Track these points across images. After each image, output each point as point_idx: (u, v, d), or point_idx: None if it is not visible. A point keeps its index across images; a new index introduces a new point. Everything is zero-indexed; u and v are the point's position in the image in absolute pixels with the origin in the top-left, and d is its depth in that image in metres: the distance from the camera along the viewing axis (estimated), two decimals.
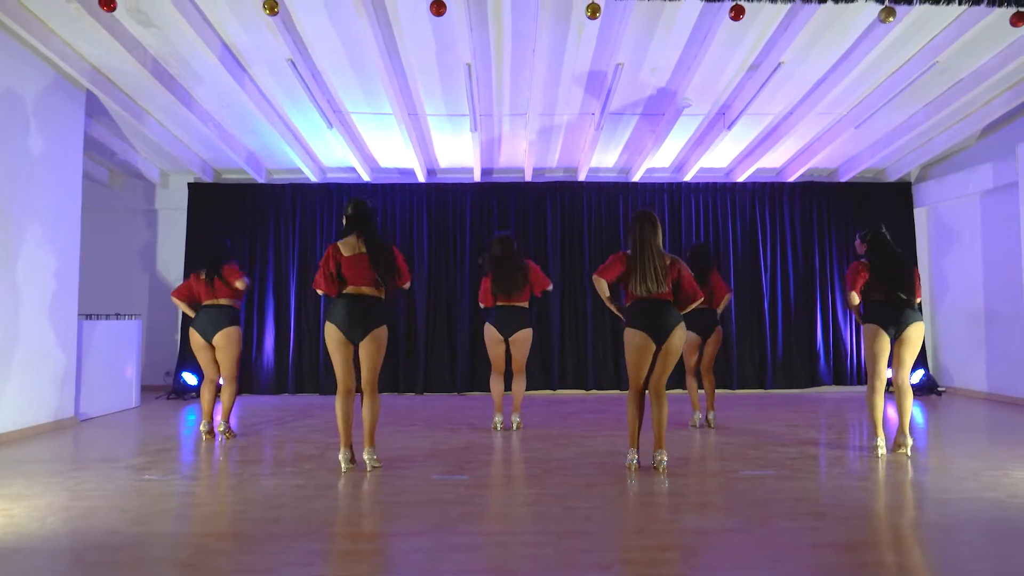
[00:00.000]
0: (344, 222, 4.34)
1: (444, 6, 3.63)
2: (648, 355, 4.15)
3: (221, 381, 5.57)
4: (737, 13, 3.64)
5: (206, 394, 5.48)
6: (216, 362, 5.50)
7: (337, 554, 2.94)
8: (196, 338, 5.43)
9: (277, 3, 3.47)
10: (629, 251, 4.28)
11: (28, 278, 5.73)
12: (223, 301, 5.46)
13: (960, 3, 3.61)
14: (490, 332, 5.73)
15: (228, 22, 5.34)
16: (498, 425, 5.83)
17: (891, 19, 3.73)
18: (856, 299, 4.75)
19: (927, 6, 3.72)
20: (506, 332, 5.67)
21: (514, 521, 3.38)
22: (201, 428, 5.46)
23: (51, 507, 3.57)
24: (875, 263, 4.72)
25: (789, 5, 3.88)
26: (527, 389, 7.92)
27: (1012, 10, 3.69)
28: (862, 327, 4.86)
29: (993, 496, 3.71)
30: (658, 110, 7.02)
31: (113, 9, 3.53)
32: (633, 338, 4.17)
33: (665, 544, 3.02)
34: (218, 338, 5.39)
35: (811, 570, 2.69)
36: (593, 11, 3.60)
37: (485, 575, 2.67)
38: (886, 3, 3.59)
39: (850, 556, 2.84)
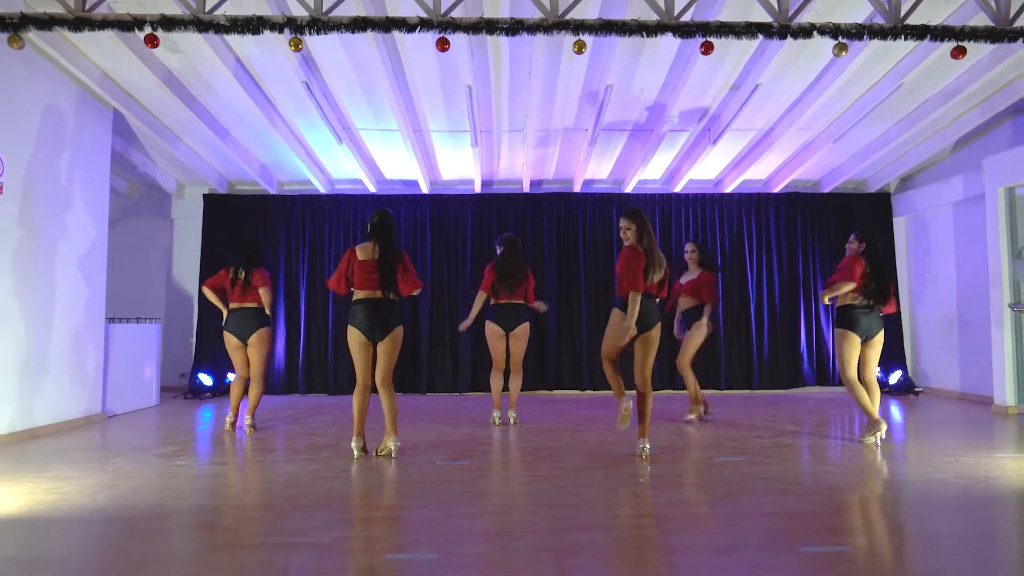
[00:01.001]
0: (368, 229, 4.77)
1: (448, 42, 4.09)
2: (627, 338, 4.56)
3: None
4: (707, 48, 4.10)
5: (237, 390, 5.93)
6: (248, 361, 5.92)
7: (355, 521, 3.39)
8: (231, 339, 5.86)
9: (301, 41, 3.92)
10: (638, 244, 4.59)
11: (62, 284, 6.19)
12: (252, 304, 5.87)
13: (906, 38, 4.06)
14: (491, 328, 6.18)
15: (248, 47, 5.81)
16: (496, 420, 6.28)
17: (844, 53, 4.18)
18: (850, 287, 5.11)
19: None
20: (507, 327, 6.10)
21: (510, 496, 3.82)
22: (227, 420, 5.88)
23: (98, 486, 4.01)
24: (865, 268, 5.17)
25: (758, 41, 4.34)
26: (523, 388, 8.33)
27: (953, 44, 4.15)
28: (835, 331, 5.28)
29: (941, 477, 4.15)
30: (647, 126, 7.50)
31: (156, 46, 3.99)
32: (615, 318, 4.62)
33: (641, 514, 3.47)
34: (253, 338, 5.82)
35: (765, 534, 3.13)
36: (579, 47, 4.06)
37: (484, 536, 3.12)
38: (839, 39, 4.05)
39: (799, 522, 3.28)
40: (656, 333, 4.60)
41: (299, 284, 9.16)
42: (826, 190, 9.36)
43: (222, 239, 8.90)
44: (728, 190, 9.27)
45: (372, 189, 9.17)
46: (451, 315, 9.17)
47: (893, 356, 8.99)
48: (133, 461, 4.73)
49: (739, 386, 9.16)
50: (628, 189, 9.25)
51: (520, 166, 8.67)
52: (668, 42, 5.58)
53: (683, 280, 6.52)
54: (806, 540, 3.01)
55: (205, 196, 9.24)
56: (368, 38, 5.31)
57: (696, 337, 6.35)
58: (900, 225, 9.50)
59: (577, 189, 9.26)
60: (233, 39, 5.68)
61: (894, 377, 8.82)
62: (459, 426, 6.28)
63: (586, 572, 2.69)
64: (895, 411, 7.32)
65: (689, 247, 6.60)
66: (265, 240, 9.11)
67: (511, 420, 6.29)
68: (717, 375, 9.09)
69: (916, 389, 8.78)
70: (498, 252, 6.27)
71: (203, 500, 3.75)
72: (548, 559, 2.80)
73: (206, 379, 8.57)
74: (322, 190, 9.16)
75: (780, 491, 3.85)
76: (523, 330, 6.17)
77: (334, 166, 8.80)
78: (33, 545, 3.04)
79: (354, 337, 4.66)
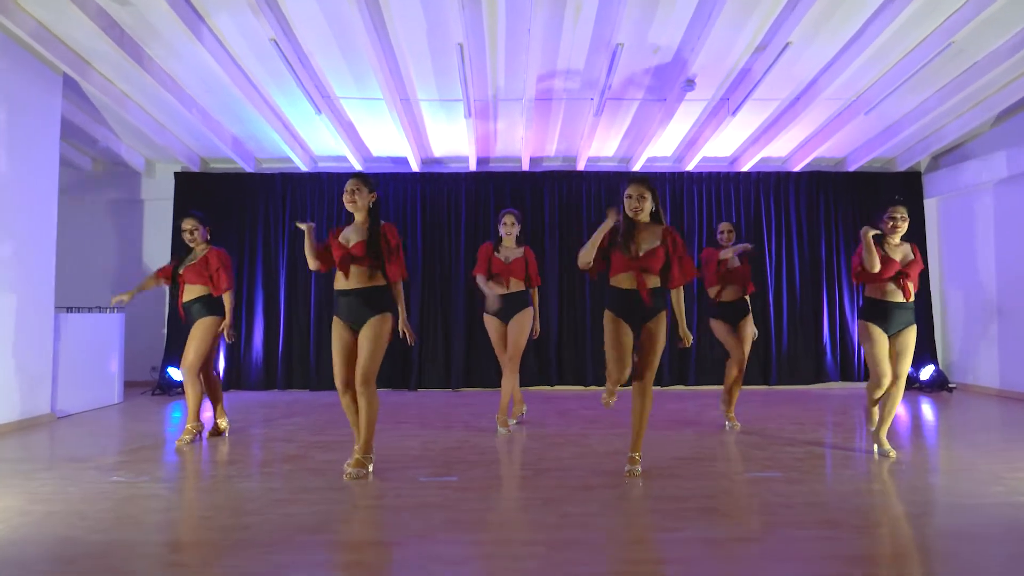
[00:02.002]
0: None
1: None
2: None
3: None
4: None
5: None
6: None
7: (308, 567, 2.68)
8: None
9: None
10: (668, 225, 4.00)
11: (2, 268, 5.47)
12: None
13: None
14: (489, 320, 5.36)
15: (208, 1, 5.07)
16: (503, 432, 5.37)
17: None
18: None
19: None
20: (505, 317, 5.28)
21: (503, 529, 3.12)
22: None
23: (6, 512, 3.32)
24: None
25: None
26: (523, 384, 7.58)
27: None
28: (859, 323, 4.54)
29: (1017, 500, 3.45)
30: (660, 95, 6.74)
31: None
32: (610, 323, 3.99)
33: (663, 559, 2.76)
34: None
35: None
36: None
37: None
38: None
39: (862, 568, 2.57)
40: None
41: (279, 270, 8.45)
42: (851, 168, 8.62)
43: (203, 216, 8.14)
44: (745, 168, 8.52)
45: (358, 167, 8.43)
46: (443, 304, 8.46)
47: (924, 349, 8.27)
48: (62, 475, 4.03)
49: (756, 381, 8.45)
50: (636, 167, 8.51)
51: (519, 140, 7.92)
52: None
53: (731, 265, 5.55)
54: None
55: (176, 174, 8.51)
56: None
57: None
58: (931, 207, 8.77)
59: (581, 167, 8.52)
60: None
61: (925, 372, 8.11)
62: (450, 430, 5.58)
63: None
64: (927, 410, 6.62)
65: (726, 227, 5.67)
66: (242, 220, 8.41)
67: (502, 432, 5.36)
68: None
69: (949, 385, 8.07)
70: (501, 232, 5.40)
71: (122, 533, 3.05)
72: None
73: (176, 374, 7.86)
74: (304, 168, 8.43)
75: (831, 522, 3.14)
76: (522, 316, 5.27)
77: (316, 141, 8.06)
78: None
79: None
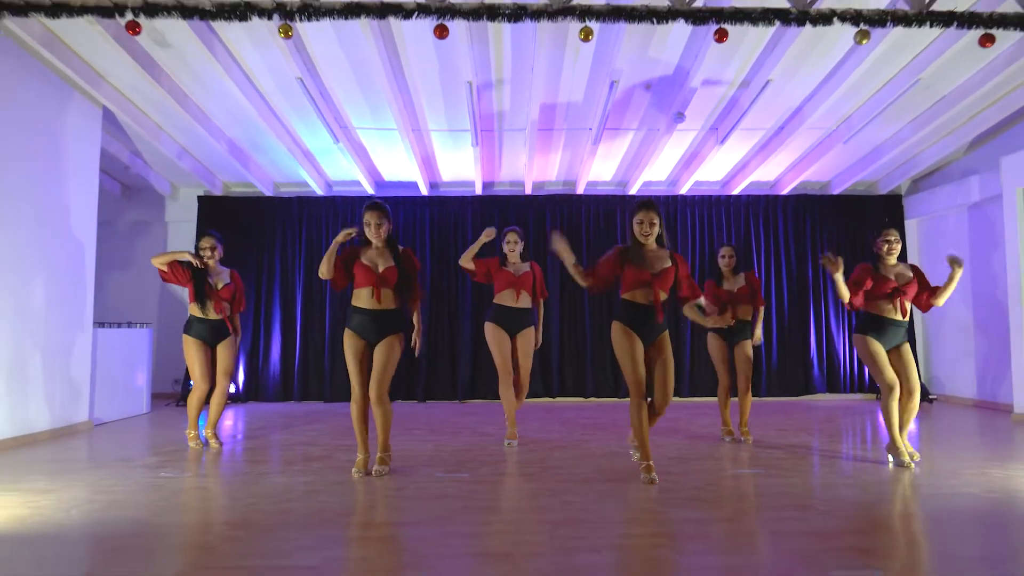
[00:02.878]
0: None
1: (447, 29, 3.86)
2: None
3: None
4: (721, 36, 3.87)
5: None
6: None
7: (347, 540, 3.14)
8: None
9: (291, 27, 3.70)
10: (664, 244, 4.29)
11: (48, 288, 5.96)
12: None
13: (931, 25, 3.83)
14: (491, 330, 5.55)
15: (240, 42, 5.60)
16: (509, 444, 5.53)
17: (866, 40, 3.96)
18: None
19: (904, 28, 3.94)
20: (512, 330, 5.53)
21: (513, 513, 3.58)
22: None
23: (74, 500, 3.77)
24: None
25: (773, 29, 4.12)
26: (526, 396, 8.00)
27: (981, 31, 3.92)
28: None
29: (969, 491, 3.90)
30: (654, 125, 7.27)
31: (138, 33, 3.77)
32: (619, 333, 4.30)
33: (654, 532, 3.22)
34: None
35: (788, 555, 2.88)
36: (586, 34, 3.84)
37: (486, 558, 2.87)
38: (861, 26, 3.83)
39: (824, 542, 3.03)
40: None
41: (295, 289, 8.94)
42: (836, 192, 9.13)
43: (221, 237, 8.65)
44: (735, 192, 9.04)
45: (370, 191, 8.95)
46: (450, 320, 8.93)
47: None
48: (115, 473, 4.48)
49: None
50: (633, 191, 9.03)
51: (522, 167, 8.45)
52: (678, 33, 5.36)
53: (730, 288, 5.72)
54: (832, 562, 2.76)
55: (199, 198, 9.02)
56: (365, 30, 5.10)
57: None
58: (912, 228, 9.26)
59: (580, 191, 9.03)
60: (224, 31, 5.47)
61: None
62: (458, 435, 6.03)
63: None
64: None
65: (727, 251, 5.82)
66: (261, 242, 8.90)
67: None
68: None
69: (930, 396, 8.52)
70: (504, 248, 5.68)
71: (183, 517, 3.51)
72: None
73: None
74: (319, 192, 8.94)
75: (801, 507, 3.60)
76: (527, 333, 5.56)
77: (331, 167, 8.58)
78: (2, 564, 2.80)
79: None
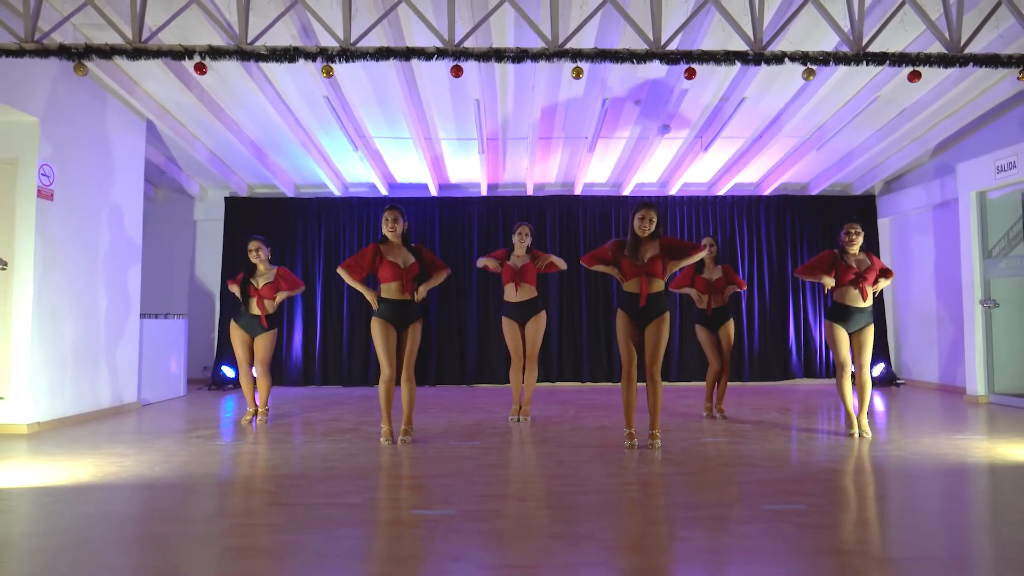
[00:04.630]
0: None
1: (461, 69, 4.61)
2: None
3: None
4: (690, 74, 4.62)
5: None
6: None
7: (383, 487, 3.92)
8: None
9: (332, 68, 4.45)
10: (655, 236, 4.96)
11: (105, 282, 6.75)
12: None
13: (867, 64, 4.56)
14: (504, 323, 6.24)
15: (277, 68, 6.35)
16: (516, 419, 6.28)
17: (812, 77, 4.69)
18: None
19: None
20: (522, 320, 6.17)
21: (517, 468, 4.36)
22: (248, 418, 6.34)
23: (154, 460, 4.56)
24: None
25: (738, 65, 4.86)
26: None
27: (909, 68, 4.65)
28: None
29: (899, 455, 4.68)
30: (643, 135, 8.02)
31: (204, 73, 4.52)
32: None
33: (628, 481, 4.00)
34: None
35: (734, 496, 3.66)
36: (577, 73, 4.57)
37: (495, 497, 3.65)
38: (808, 65, 4.57)
39: (765, 488, 3.81)
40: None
41: (315, 282, 9.70)
42: (814, 192, 9.88)
43: (242, 240, 9.42)
44: (721, 192, 9.78)
45: (383, 192, 9.70)
46: (458, 312, 9.70)
47: (877, 350, 9.53)
48: (177, 442, 5.28)
49: (731, 378, 9.67)
50: (626, 192, 9.78)
51: (524, 170, 9.20)
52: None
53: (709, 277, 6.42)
54: (769, 501, 3.54)
55: (226, 199, 9.78)
56: (388, 63, 5.84)
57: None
58: (884, 226, 10.01)
59: (578, 192, 9.78)
60: (265, 65, 6.20)
61: (877, 369, 9.34)
62: (468, 413, 6.81)
63: (580, 525, 3.22)
64: (877, 401, 7.84)
65: (708, 241, 6.38)
66: (283, 240, 9.67)
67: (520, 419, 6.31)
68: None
69: (898, 381, 9.30)
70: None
71: (248, 471, 4.30)
72: (548, 515, 3.34)
73: (229, 371, 9.12)
74: (336, 193, 9.70)
75: (753, 464, 4.38)
76: (537, 320, 6.15)
77: (348, 170, 9.34)
78: (109, 504, 3.58)
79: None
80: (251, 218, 9.68)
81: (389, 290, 5.11)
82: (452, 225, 9.85)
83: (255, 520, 3.28)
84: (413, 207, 9.83)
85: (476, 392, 8.87)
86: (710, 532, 3.08)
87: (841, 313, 5.43)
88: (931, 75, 6.60)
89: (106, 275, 6.81)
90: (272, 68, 6.41)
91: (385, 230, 5.19)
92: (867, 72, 6.44)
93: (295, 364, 9.57)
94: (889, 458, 4.59)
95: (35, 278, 5.78)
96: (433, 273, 5.25)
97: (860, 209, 9.87)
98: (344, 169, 9.31)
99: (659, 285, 4.86)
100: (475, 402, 7.77)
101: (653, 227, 4.87)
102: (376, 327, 5.09)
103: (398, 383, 5.14)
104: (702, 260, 6.47)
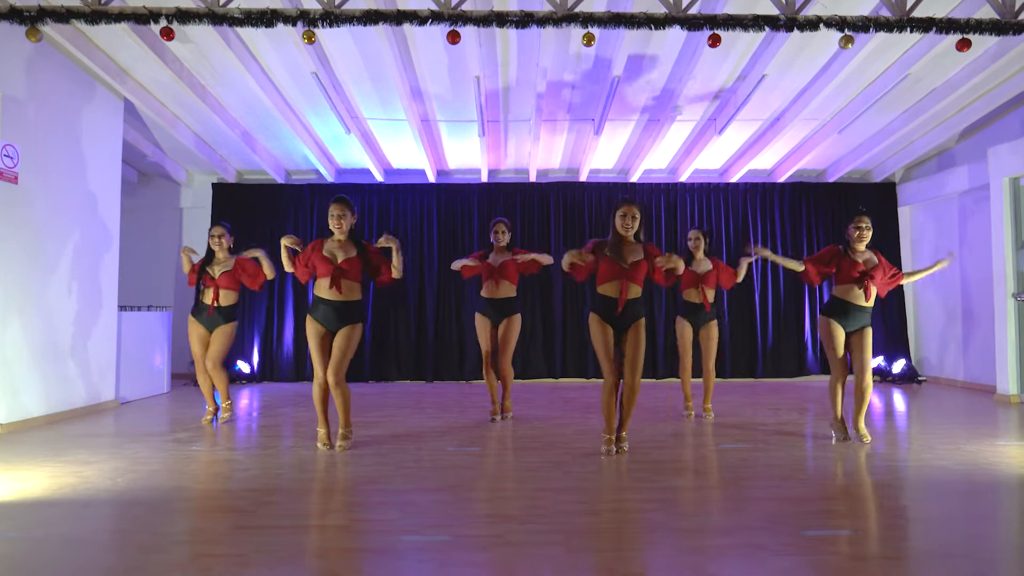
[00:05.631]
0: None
1: (459, 35, 4.14)
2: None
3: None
4: (714, 40, 4.14)
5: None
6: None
7: (372, 504, 3.48)
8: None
9: (314, 33, 3.98)
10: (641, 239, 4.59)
11: (76, 273, 6.28)
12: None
13: (912, 30, 4.10)
14: (478, 319, 5.91)
15: (258, 39, 5.86)
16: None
17: (850, 45, 4.22)
18: None
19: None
20: (495, 319, 5.83)
21: (521, 482, 3.91)
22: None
23: (117, 470, 4.11)
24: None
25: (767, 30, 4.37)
26: (529, 377, 8.36)
27: (958, 36, 4.18)
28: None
29: (942, 464, 4.23)
30: (654, 116, 7.53)
31: (171, 38, 4.05)
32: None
33: (647, 499, 3.55)
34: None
35: (767, 517, 3.21)
36: (588, 39, 4.11)
37: (496, 519, 3.20)
38: (845, 31, 4.10)
39: (800, 507, 3.36)
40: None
41: None
42: (831, 179, 9.39)
43: (231, 228, 8.96)
44: (734, 179, 9.31)
45: (379, 178, 9.23)
46: (457, 304, 9.24)
47: (897, 345, 9.08)
48: (149, 447, 4.83)
49: (743, 374, 9.24)
50: (634, 178, 9.30)
51: (526, 156, 8.72)
52: (675, 33, 5.62)
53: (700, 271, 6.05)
54: (807, 524, 3.09)
55: (214, 185, 9.31)
56: (378, 30, 5.36)
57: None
58: (905, 214, 9.54)
59: (583, 179, 9.31)
60: (244, 30, 5.73)
61: (897, 366, 8.89)
62: (466, 413, 6.37)
63: (595, 555, 2.78)
64: (898, 399, 7.39)
65: (694, 234, 6.17)
66: (274, 228, 9.21)
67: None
68: (722, 363, 9.16)
69: (919, 378, 8.85)
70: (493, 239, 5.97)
71: (220, 484, 3.86)
72: (559, 541, 2.89)
73: None
74: (329, 179, 9.23)
75: (783, 477, 3.93)
76: (511, 320, 5.83)
77: (341, 155, 8.86)
78: (59, 524, 3.13)
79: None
80: (240, 205, 9.21)
81: (320, 287, 4.63)
82: (451, 213, 9.38)
83: (218, 549, 2.84)
84: (410, 194, 9.36)
85: (474, 389, 8.42)
86: (746, 565, 2.63)
87: (840, 309, 4.92)
88: (974, 46, 6.09)
89: (78, 264, 6.34)
90: (255, 40, 5.92)
91: (332, 225, 4.68)
92: (899, 46, 5.95)
93: (286, 359, 9.11)
94: (930, 468, 4.14)
95: None
96: (382, 277, 4.75)
97: (880, 197, 9.39)
98: (337, 153, 8.83)
99: (637, 291, 4.48)
100: (472, 400, 7.33)
101: (636, 224, 4.48)
102: (308, 327, 4.65)
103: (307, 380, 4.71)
104: (690, 253, 6.15)
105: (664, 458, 4.42)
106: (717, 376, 9.00)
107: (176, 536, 3.03)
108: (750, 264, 6.05)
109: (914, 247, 9.45)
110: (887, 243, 9.25)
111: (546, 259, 5.80)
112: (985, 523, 3.24)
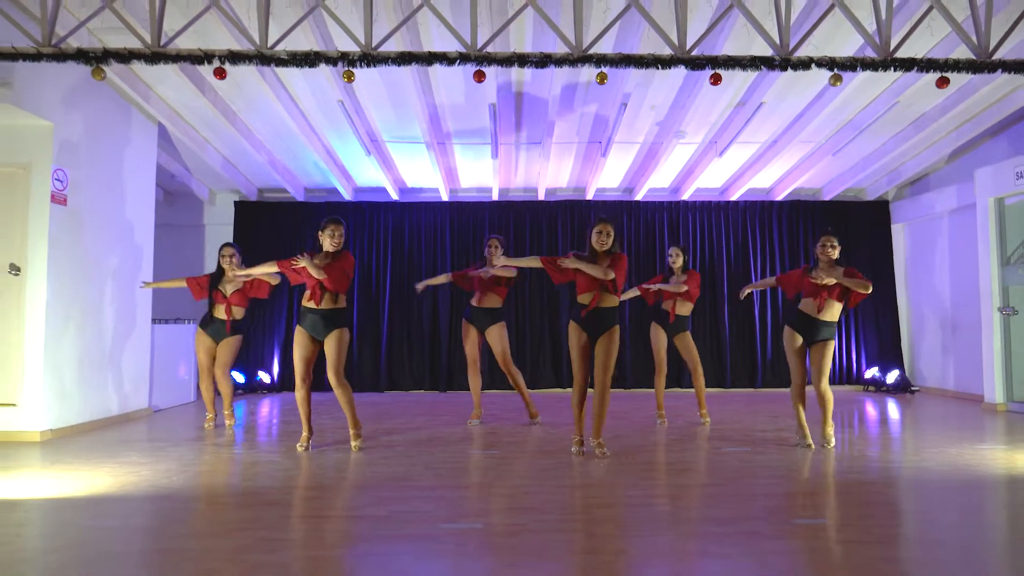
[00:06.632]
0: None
1: (484, 75, 4.54)
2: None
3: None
4: (716, 79, 4.56)
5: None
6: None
7: (407, 498, 3.85)
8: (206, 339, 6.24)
9: (353, 73, 4.39)
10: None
11: (115, 288, 6.69)
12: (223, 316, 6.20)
13: (895, 69, 4.50)
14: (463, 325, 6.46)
15: (290, 70, 6.29)
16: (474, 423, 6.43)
17: (839, 83, 4.63)
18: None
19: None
20: (480, 326, 6.34)
21: (541, 479, 4.29)
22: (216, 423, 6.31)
23: (170, 470, 4.49)
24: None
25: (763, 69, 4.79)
26: (536, 386, 8.71)
27: (938, 74, 4.59)
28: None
29: (924, 466, 4.61)
30: (657, 140, 7.96)
31: (223, 78, 4.45)
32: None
33: (655, 494, 3.93)
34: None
35: (764, 510, 3.59)
36: (601, 78, 4.51)
37: (522, 511, 3.58)
38: (834, 71, 4.51)
39: (792, 501, 3.74)
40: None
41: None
42: (827, 198, 9.80)
43: (252, 244, 9.39)
44: (734, 198, 9.72)
45: (394, 196, 9.64)
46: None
47: (891, 356, 9.46)
48: (192, 450, 5.21)
49: (743, 384, 9.61)
50: (638, 197, 9.71)
51: (536, 175, 9.14)
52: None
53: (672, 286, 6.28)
54: (798, 515, 3.47)
55: (236, 203, 9.73)
56: None
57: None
58: (898, 231, 9.94)
59: (589, 197, 9.72)
60: (281, 69, 6.14)
61: (891, 376, 9.26)
62: (482, 421, 6.73)
63: (610, 542, 3.15)
64: (892, 408, 7.76)
65: (674, 251, 6.35)
66: (293, 244, 9.62)
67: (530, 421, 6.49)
68: (722, 374, 9.54)
69: (912, 388, 9.21)
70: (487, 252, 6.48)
71: (265, 482, 4.23)
72: (578, 528, 3.27)
73: (238, 376, 9.05)
74: (347, 197, 9.64)
75: (777, 477, 4.31)
76: (495, 330, 6.30)
77: (359, 174, 9.28)
78: (129, 516, 3.52)
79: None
80: (260, 222, 9.63)
81: (306, 297, 5.14)
82: (463, 230, 9.79)
83: (278, 534, 3.22)
84: (423, 211, 9.77)
85: (487, 398, 8.78)
86: (743, 548, 3.00)
87: (799, 320, 5.26)
88: (955, 79, 6.52)
89: (118, 281, 6.75)
90: (287, 73, 6.35)
91: (327, 244, 5.15)
92: (889, 76, 6.37)
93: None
94: (915, 469, 4.51)
95: (48, 284, 5.73)
96: (339, 283, 5.11)
97: (874, 214, 9.79)
98: (355, 173, 9.25)
99: (612, 300, 4.92)
100: (487, 408, 7.69)
101: (611, 241, 4.92)
102: (296, 336, 5.12)
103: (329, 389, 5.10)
104: (670, 269, 6.46)
105: (669, 460, 4.80)
106: (717, 387, 9.39)
107: (235, 524, 3.41)
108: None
109: (907, 262, 9.84)
110: (880, 259, 9.65)
111: (505, 272, 6.25)
112: (961, 513, 3.61)
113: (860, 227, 9.68)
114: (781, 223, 9.88)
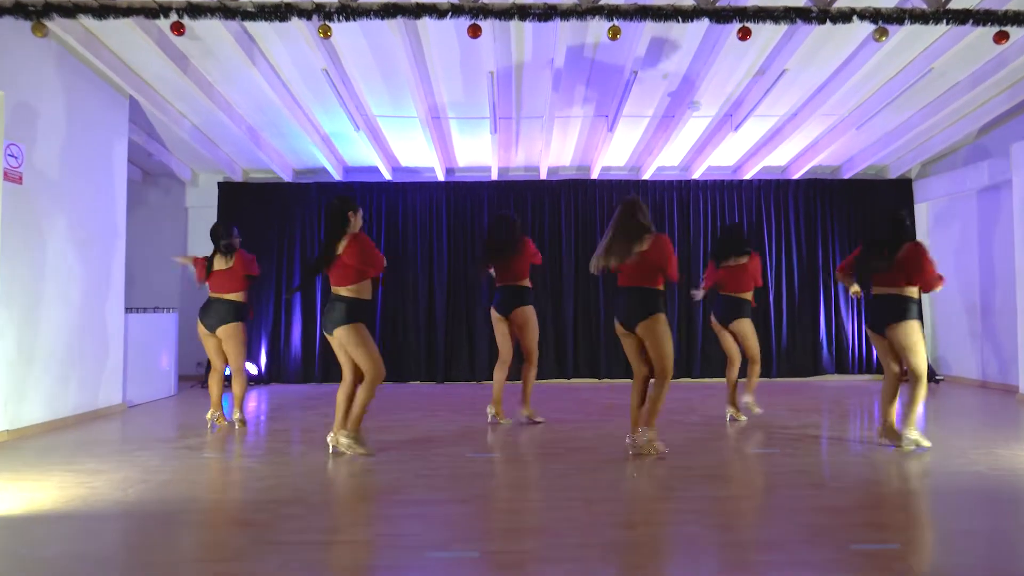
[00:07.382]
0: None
1: (480, 29, 3.99)
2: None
3: (229, 372, 5.78)
4: (744, 34, 4.00)
5: (213, 385, 5.74)
6: (221, 353, 5.72)
7: (395, 517, 3.34)
8: (200, 327, 5.69)
9: (330, 28, 3.84)
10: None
11: (82, 274, 6.15)
12: (228, 295, 5.63)
13: (947, 22, 3.96)
14: (492, 313, 5.84)
15: (268, 35, 5.72)
16: (491, 415, 5.84)
17: (884, 38, 4.08)
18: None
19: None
20: (503, 310, 5.73)
21: (547, 491, 3.78)
22: (208, 415, 5.74)
23: (128, 480, 3.98)
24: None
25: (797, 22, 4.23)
26: (541, 377, 8.24)
27: (995, 28, 4.04)
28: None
29: (976, 470, 4.10)
30: (669, 112, 7.38)
31: (182, 34, 3.90)
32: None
33: (682, 509, 3.42)
34: (220, 331, 5.60)
35: (809, 529, 3.08)
36: (614, 33, 3.97)
37: (526, 533, 3.07)
38: (879, 23, 3.96)
39: (840, 518, 3.23)
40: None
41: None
42: (847, 176, 9.25)
43: (237, 227, 8.82)
44: (747, 177, 9.16)
45: (387, 176, 9.08)
46: (467, 304, 9.11)
47: None
48: (160, 454, 4.70)
49: (759, 374, 9.07)
50: (646, 176, 9.15)
51: (538, 153, 8.58)
52: (695, 28, 5.47)
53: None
54: (851, 536, 2.96)
55: (220, 184, 9.17)
56: (391, 24, 5.21)
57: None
58: (921, 211, 9.39)
59: (594, 176, 9.16)
60: (253, 25, 5.58)
61: None
62: (480, 416, 6.23)
63: (635, 572, 2.64)
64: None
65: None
66: (281, 227, 9.09)
67: (525, 417, 5.85)
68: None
69: (937, 377, 8.71)
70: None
71: (235, 495, 3.73)
72: (595, 556, 2.76)
73: (251, 367, 8.48)
74: (337, 177, 9.09)
75: (817, 485, 3.80)
76: (520, 313, 5.66)
77: (349, 153, 8.72)
78: (72, 540, 3.01)
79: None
80: (246, 204, 9.07)
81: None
82: (460, 212, 9.24)
83: (236, 568, 2.70)
84: (418, 193, 9.21)
85: (486, 389, 8.26)
86: None
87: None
88: (991, 44, 5.94)
89: (86, 266, 6.21)
90: (265, 37, 5.78)
91: (355, 226, 4.55)
92: (925, 38, 5.80)
93: (294, 361, 8.99)
94: (968, 474, 4.00)
95: (3, 269, 5.18)
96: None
97: (896, 193, 9.23)
98: (345, 152, 8.69)
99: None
100: (486, 401, 7.17)
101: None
102: (362, 331, 4.65)
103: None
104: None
105: (692, 464, 4.28)
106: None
107: (191, 552, 2.90)
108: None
109: (931, 244, 9.29)
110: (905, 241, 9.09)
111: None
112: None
113: (881, 207, 9.10)
114: (797, 203, 9.33)
